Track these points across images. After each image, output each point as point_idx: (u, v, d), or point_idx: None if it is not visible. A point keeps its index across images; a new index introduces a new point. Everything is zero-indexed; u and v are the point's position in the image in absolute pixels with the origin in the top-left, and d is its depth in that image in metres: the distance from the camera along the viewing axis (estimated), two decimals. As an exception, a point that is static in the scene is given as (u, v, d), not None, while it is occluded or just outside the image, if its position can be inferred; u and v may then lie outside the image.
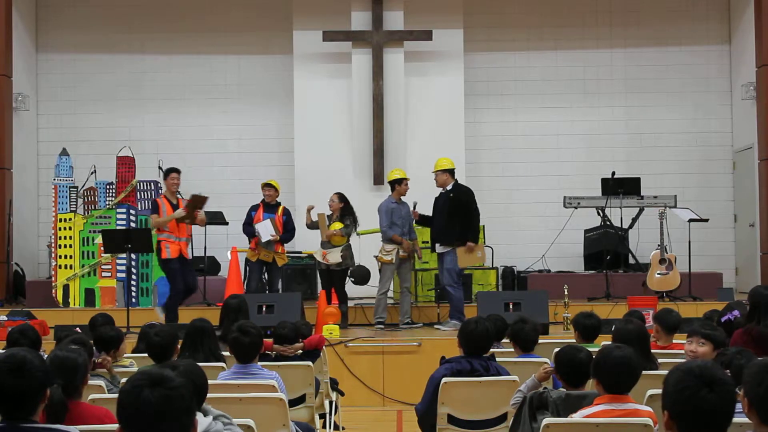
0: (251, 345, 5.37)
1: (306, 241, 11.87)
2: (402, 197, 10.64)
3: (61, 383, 3.79)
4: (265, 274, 11.09)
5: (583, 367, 4.42)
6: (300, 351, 6.49)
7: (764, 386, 2.76)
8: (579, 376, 4.48)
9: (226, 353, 5.85)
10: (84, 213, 11.91)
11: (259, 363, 5.48)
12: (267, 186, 11.10)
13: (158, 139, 13.79)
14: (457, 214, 10.26)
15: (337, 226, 10.54)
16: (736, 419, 3.02)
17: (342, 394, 7.44)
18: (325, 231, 10.57)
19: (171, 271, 10.38)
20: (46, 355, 4.12)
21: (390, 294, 11.00)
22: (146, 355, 5.60)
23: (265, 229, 10.76)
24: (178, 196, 10.66)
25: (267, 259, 10.91)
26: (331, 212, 10.80)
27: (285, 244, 11.08)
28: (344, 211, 10.68)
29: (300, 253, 12.28)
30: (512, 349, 6.12)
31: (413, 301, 11.20)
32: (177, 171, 10.56)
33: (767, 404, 2.76)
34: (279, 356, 6.42)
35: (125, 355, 6.05)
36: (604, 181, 12.62)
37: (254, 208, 11.05)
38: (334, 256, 10.49)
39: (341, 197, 10.77)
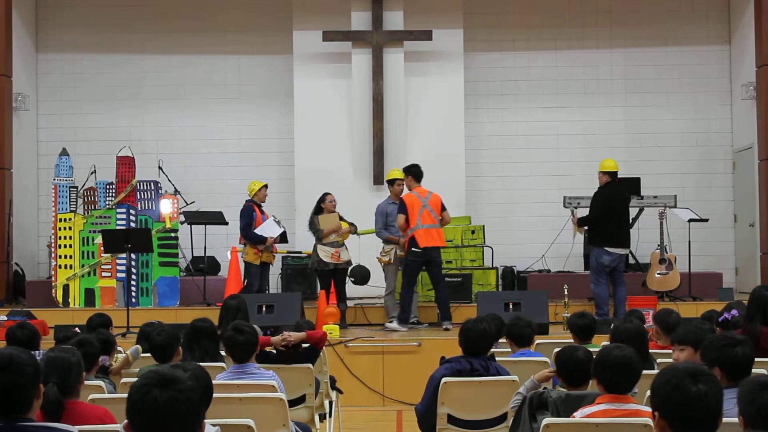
0: (246, 344, 5.34)
1: (306, 241, 11.86)
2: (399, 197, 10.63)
3: (56, 382, 3.79)
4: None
5: (582, 366, 4.42)
6: (302, 342, 6.16)
7: (756, 405, 2.82)
8: (579, 376, 4.47)
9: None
10: (84, 213, 11.90)
11: (256, 363, 5.47)
12: (265, 187, 11.06)
13: (158, 139, 13.79)
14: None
15: (344, 225, 10.58)
16: (730, 419, 3.04)
17: (341, 392, 7.44)
18: (340, 230, 10.52)
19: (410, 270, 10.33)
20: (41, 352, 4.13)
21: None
22: (148, 354, 5.61)
23: (273, 228, 10.72)
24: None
25: (270, 260, 10.89)
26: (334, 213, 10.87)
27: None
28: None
29: (300, 253, 12.28)
30: (510, 349, 6.15)
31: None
32: None
33: (759, 421, 2.82)
34: (280, 355, 6.19)
35: (123, 354, 6.05)
36: (604, 180, 12.60)
37: (247, 212, 10.83)
38: (346, 255, 10.56)
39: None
